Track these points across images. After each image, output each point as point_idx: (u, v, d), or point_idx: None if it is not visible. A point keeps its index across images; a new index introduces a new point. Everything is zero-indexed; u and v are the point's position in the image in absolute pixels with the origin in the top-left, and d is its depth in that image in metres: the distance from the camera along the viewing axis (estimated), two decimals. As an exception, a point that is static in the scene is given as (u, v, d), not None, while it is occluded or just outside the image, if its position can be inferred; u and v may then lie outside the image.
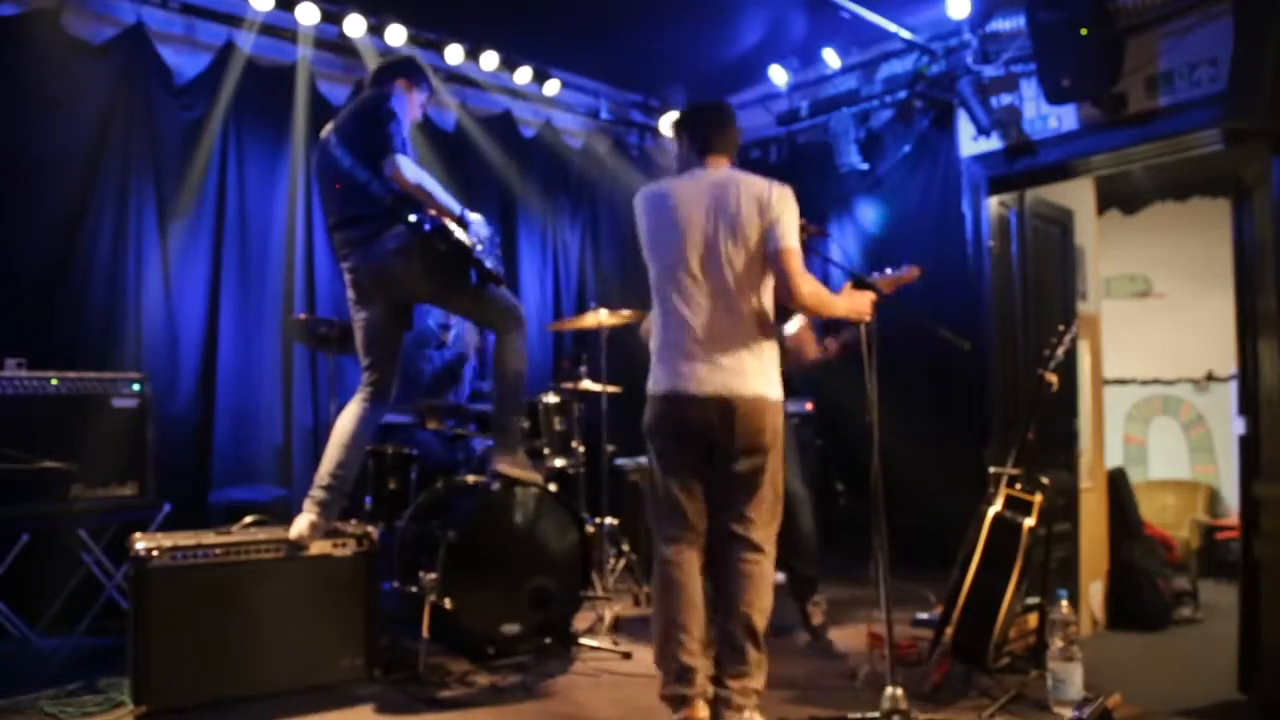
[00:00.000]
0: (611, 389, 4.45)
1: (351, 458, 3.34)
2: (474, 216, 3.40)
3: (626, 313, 4.38)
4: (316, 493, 3.27)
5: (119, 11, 4.41)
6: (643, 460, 5.46)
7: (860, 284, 2.85)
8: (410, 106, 3.52)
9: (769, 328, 2.79)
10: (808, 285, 2.72)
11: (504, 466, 3.53)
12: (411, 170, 3.20)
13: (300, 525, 3.19)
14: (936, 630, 3.32)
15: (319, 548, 3.22)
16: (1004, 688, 3.05)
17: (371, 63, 4.92)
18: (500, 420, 3.57)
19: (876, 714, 2.61)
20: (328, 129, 3.47)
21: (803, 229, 2.81)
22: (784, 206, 2.74)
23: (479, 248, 3.34)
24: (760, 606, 2.67)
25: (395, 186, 3.22)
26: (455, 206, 3.32)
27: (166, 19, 4.57)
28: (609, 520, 4.45)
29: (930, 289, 4.57)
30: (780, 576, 4.73)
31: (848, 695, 2.93)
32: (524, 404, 3.66)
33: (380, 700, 3.08)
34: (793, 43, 5.57)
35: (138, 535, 3.05)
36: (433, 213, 3.24)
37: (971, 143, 5.04)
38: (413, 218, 3.19)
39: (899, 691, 2.58)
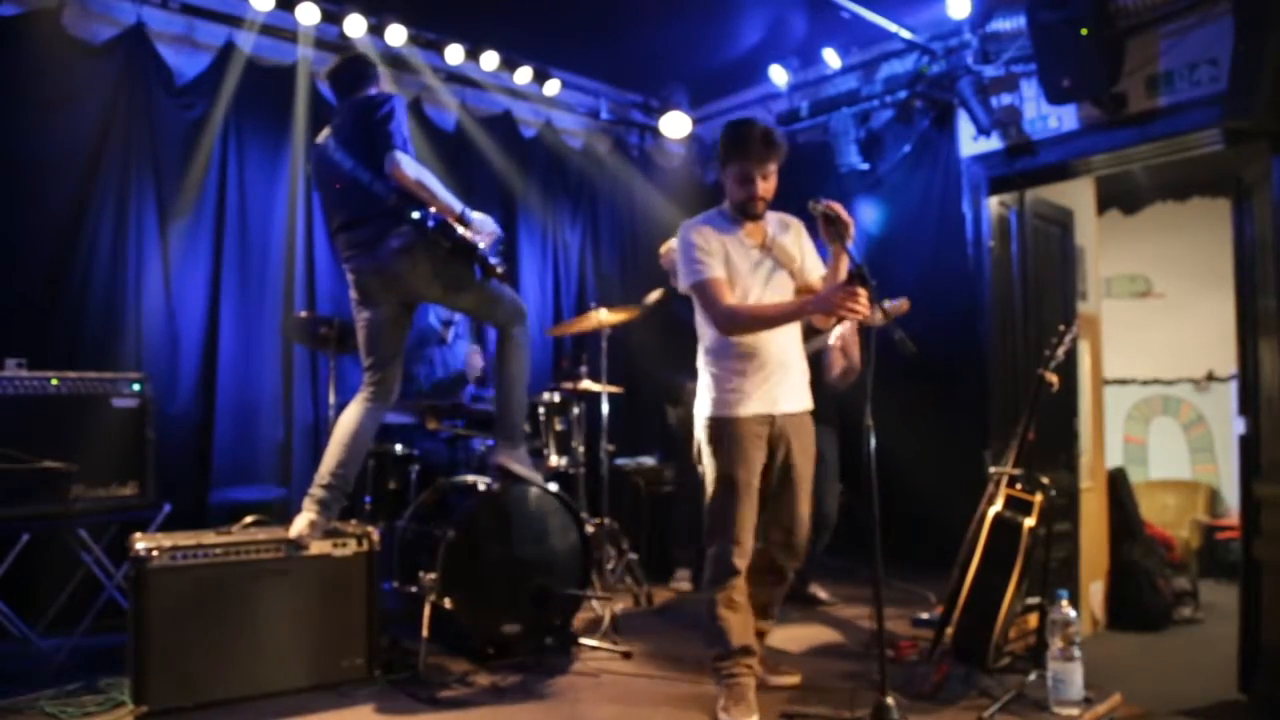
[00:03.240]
0: (612, 389, 4.45)
1: (352, 457, 3.33)
2: (477, 215, 3.38)
3: (626, 312, 4.39)
4: (316, 491, 3.27)
5: (119, 11, 4.41)
6: (644, 460, 5.47)
7: (855, 278, 2.65)
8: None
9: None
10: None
11: (506, 461, 3.53)
12: (412, 167, 3.18)
13: (300, 524, 3.19)
14: (936, 630, 3.31)
15: (319, 548, 3.21)
16: (1004, 688, 3.04)
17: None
18: (503, 416, 3.57)
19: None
20: (324, 134, 3.46)
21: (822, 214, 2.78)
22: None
23: (482, 244, 3.34)
24: None
25: (396, 185, 3.21)
26: (456, 204, 3.31)
27: (167, 19, 4.57)
28: (609, 520, 4.45)
29: (930, 289, 4.58)
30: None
31: (845, 696, 2.93)
32: (526, 400, 3.66)
33: (380, 700, 3.07)
34: (793, 43, 5.58)
35: (138, 535, 3.05)
36: (435, 210, 3.23)
37: (972, 143, 5.04)
38: (416, 215, 3.19)
39: (890, 700, 2.58)
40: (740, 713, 2.81)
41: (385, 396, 3.43)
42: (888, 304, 3.43)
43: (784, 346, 3.01)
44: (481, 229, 3.36)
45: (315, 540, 3.21)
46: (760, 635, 3.15)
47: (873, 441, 2.63)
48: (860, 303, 2.60)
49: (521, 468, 3.56)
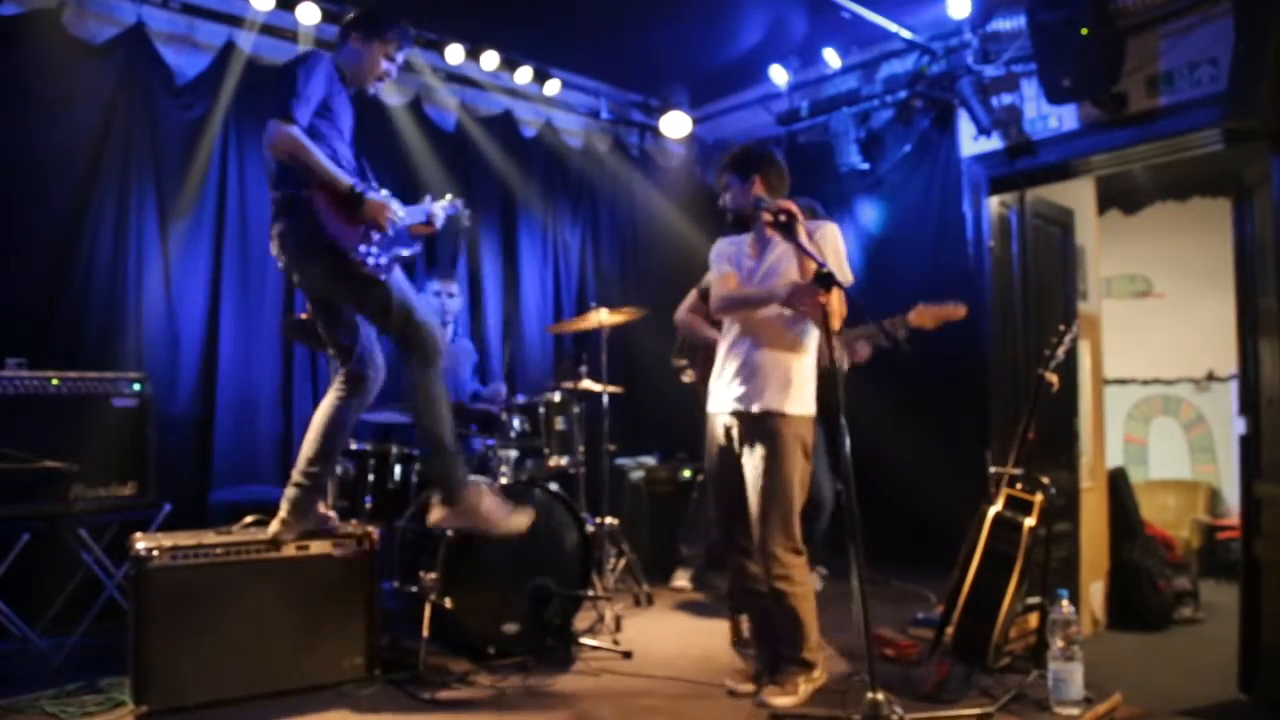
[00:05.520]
0: (612, 389, 4.45)
1: (323, 453, 3.19)
2: (376, 195, 3.00)
3: (626, 312, 4.39)
4: (289, 490, 3.18)
5: (119, 11, 4.41)
6: (644, 460, 5.47)
7: (819, 277, 2.75)
8: (366, 60, 3.14)
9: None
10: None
11: (445, 518, 3.14)
12: (287, 138, 2.80)
13: (272, 525, 3.14)
14: (937, 630, 3.32)
15: (319, 548, 3.21)
16: (1004, 688, 3.05)
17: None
18: (433, 469, 3.24)
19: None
20: None
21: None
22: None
23: (376, 238, 2.93)
24: None
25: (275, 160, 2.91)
26: (344, 180, 2.90)
27: (167, 19, 4.57)
28: (609, 520, 4.45)
29: (930, 289, 4.56)
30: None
31: (836, 697, 2.93)
32: (457, 448, 3.24)
33: (380, 700, 3.08)
34: (793, 43, 5.57)
35: (138, 535, 3.05)
36: (316, 189, 2.87)
37: (972, 142, 5.04)
38: (277, 195, 2.94)
39: (880, 697, 2.58)
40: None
41: (358, 392, 3.26)
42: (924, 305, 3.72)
43: (743, 346, 3.12)
44: (379, 213, 2.97)
45: (290, 539, 3.14)
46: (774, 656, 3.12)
47: (847, 441, 2.67)
48: (815, 301, 2.79)
49: (467, 522, 3.17)
